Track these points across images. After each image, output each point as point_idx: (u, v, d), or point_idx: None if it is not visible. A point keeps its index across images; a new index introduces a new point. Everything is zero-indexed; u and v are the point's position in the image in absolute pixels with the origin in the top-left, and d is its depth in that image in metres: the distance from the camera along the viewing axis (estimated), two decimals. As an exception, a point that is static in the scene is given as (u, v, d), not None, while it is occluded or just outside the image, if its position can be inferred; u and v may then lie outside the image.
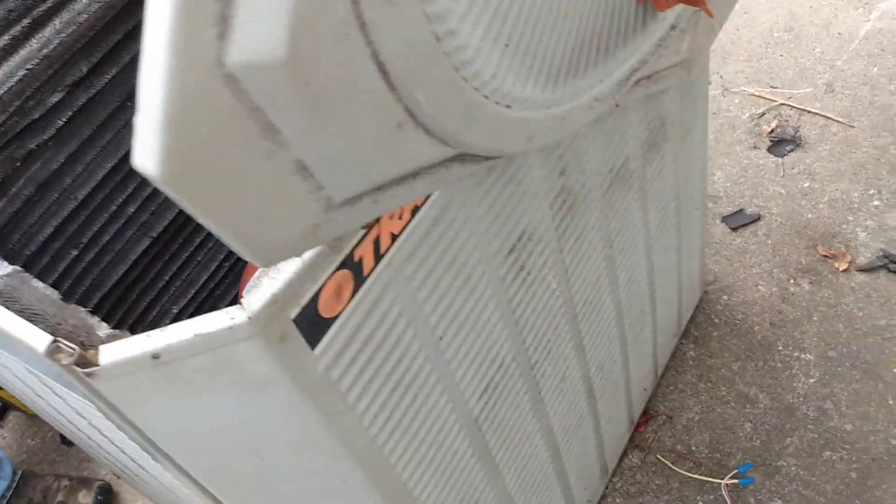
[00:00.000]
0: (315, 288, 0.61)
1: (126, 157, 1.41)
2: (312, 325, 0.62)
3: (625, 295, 1.28)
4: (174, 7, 0.37)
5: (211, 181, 0.44)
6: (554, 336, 1.06)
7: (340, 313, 0.64)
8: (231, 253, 1.65)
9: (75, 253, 1.41)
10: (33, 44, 1.24)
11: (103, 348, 0.58)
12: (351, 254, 0.63)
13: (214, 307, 1.73)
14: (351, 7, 0.42)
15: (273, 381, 0.61)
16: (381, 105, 0.49)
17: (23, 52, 1.20)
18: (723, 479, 1.52)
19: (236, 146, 0.44)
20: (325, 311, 0.63)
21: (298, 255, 0.56)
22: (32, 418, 2.00)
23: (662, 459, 1.59)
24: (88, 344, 0.64)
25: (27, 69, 1.21)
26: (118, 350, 0.58)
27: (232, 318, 0.56)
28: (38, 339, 0.61)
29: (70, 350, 0.59)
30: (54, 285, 1.37)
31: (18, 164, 1.27)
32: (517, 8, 0.58)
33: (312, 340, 0.63)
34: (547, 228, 0.93)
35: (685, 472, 1.56)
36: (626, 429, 1.59)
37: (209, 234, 1.61)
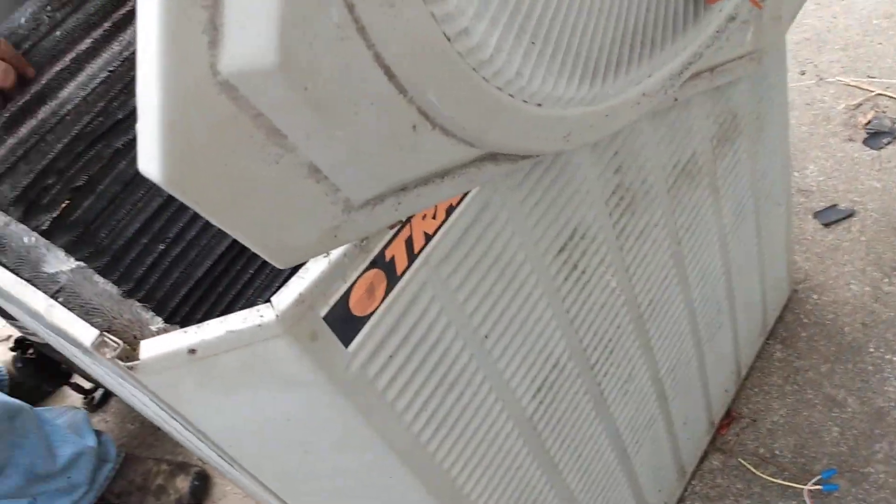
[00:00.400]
0: (345, 287, 0.62)
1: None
2: (345, 323, 0.63)
3: (698, 294, 1.25)
4: (163, 12, 0.38)
5: (219, 185, 0.45)
6: (616, 336, 1.04)
7: (374, 312, 0.65)
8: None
9: (162, 247, 1.47)
10: (115, 46, 1.29)
11: (144, 343, 0.61)
12: (381, 253, 0.63)
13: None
14: (346, 10, 0.43)
15: (307, 378, 0.63)
16: (391, 107, 0.50)
17: (105, 55, 1.25)
18: (806, 484, 1.46)
19: (241, 151, 0.45)
20: (357, 309, 0.64)
21: (319, 255, 0.57)
22: (131, 404, 2.11)
23: (744, 463, 1.54)
24: (140, 338, 0.67)
25: (109, 71, 1.27)
26: (157, 345, 0.61)
27: (261, 316, 0.58)
28: (86, 333, 0.64)
29: (114, 344, 0.62)
30: (142, 278, 1.44)
31: (105, 162, 1.33)
32: (541, 4, 0.57)
33: (346, 338, 0.64)
34: (602, 226, 0.92)
35: (767, 477, 1.51)
36: (705, 431, 1.55)
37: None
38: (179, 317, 1.48)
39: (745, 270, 1.41)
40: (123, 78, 1.34)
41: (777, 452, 1.54)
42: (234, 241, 1.62)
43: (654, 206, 1.02)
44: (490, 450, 0.87)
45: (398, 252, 0.65)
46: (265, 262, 1.76)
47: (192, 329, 0.60)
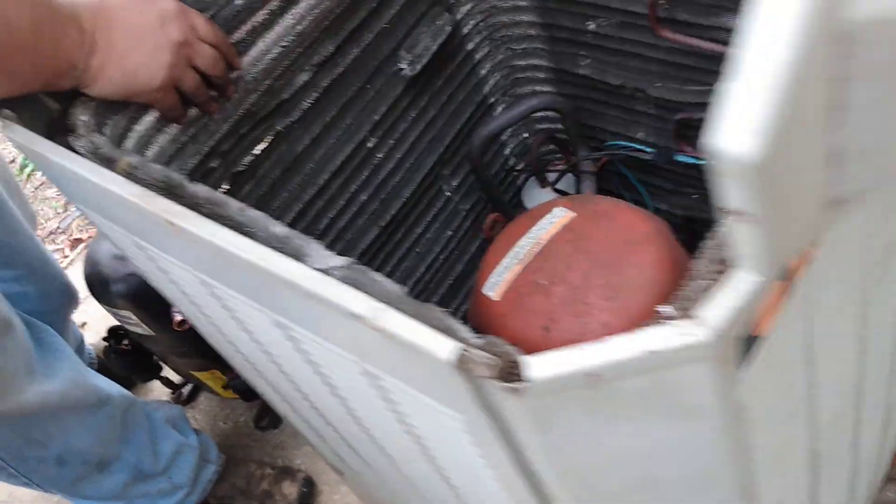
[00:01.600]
0: (761, 303, 0.51)
1: (362, 143, 1.34)
2: (750, 344, 0.52)
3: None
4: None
5: (777, 167, 0.35)
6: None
7: (772, 331, 0.54)
8: (445, 244, 1.57)
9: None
10: (288, 19, 1.18)
11: (530, 361, 0.50)
12: (789, 266, 0.53)
13: (428, 299, 1.66)
14: None
15: (705, 407, 0.52)
16: None
17: (278, 29, 1.15)
18: None
19: (808, 126, 0.35)
20: (761, 328, 0.53)
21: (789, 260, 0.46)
22: (224, 400, 1.98)
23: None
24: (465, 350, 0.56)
25: (282, 46, 1.16)
26: (550, 365, 0.49)
27: (691, 335, 0.47)
28: (440, 345, 0.53)
29: (489, 360, 0.51)
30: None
31: (266, 146, 1.23)
32: None
33: (744, 362, 0.53)
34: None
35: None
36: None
37: (428, 225, 1.54)
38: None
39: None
40: (291, 55, 1.23)
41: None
42: (377, 236, 1.48)
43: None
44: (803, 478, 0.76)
45: (801, 264, 0.54)
46: (400, 260, 1.63)
47: (590, 348, 0.49)
